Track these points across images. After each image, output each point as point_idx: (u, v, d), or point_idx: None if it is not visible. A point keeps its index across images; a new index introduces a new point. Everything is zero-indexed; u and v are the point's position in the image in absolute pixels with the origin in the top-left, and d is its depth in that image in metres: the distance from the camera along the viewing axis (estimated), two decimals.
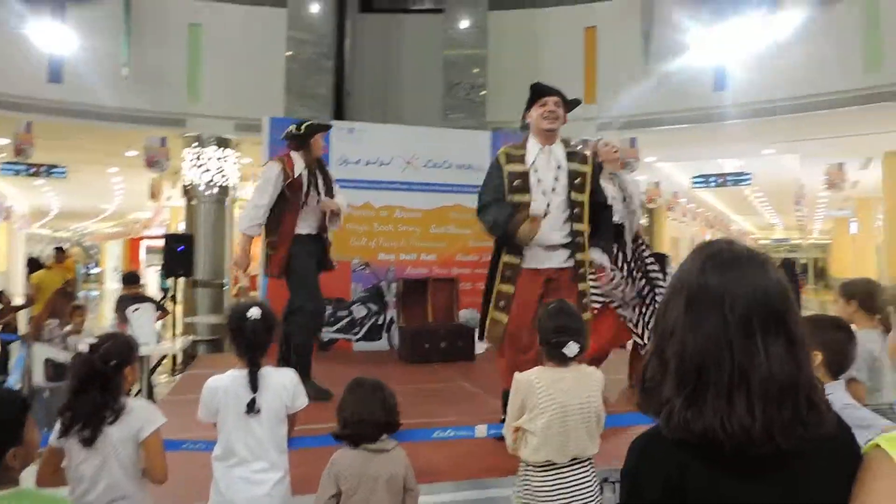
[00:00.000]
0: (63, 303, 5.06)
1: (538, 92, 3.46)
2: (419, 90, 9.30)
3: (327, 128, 4.96)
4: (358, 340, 6.54)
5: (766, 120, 9.32)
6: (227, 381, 2.29)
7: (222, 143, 10.33)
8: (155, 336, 5.61)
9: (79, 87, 9.36)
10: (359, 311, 6.54)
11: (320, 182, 4.57)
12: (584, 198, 3.44)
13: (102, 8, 9.43)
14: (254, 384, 2.23)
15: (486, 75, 8.99)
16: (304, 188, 4.48)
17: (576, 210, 3.40)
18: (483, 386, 4.84)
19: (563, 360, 2.38)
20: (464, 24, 9.01)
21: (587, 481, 2.37)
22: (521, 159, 3.40)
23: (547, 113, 3.37)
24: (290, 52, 8.85)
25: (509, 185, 3.37)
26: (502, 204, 3.34)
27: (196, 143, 10.27)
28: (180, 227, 22.47)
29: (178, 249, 7.60)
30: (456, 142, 6.92)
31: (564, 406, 2.32)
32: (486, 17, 9.11)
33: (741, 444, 0.90)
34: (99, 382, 2.06)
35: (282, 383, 2.30)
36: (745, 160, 13.58)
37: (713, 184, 13.78)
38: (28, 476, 1.57)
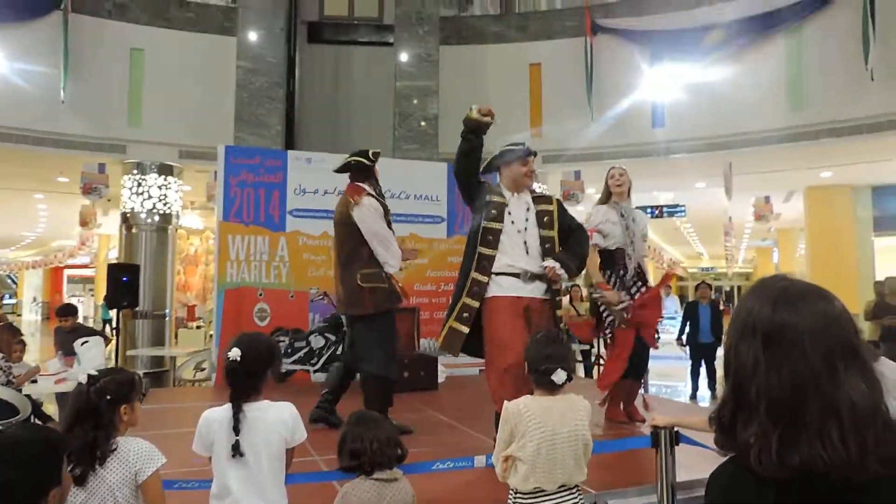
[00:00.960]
0: (8, 337, 4.80)
1: (526, 152, 3.89)
2: (369, 121, 9.38)
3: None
4: (316, 371, 6.45)
5: (699, 155, 9.84)
6: (221, 414, 2.23)
7: (164, 170, 10.08)
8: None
9: (13, 110, 8.99)
10: (317, 342, 6.44)
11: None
12: (553, 233, 3.79)
13: (40, 31, 9.13)
14: (235, 426, 2.17)
15: (439, 107, 9.16)
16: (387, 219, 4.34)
17: (547, 245, 3.74)
18: (452, 415, 4.87)
19: (552, 388, 2.46)
20: (415, 56, 9.17)
21: None
22: (501, 194, 3.81)
23: (530, 172, 3.85)
24: (241, 81, 8.77)
25: (487, 212, 3.71)
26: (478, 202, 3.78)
27: (136, 170, 9.99)
28: (111, 256, 21.65)
29: (123, 280, 7.32)
30: (413, 173, 7.01)
31: (553, 433, 2.38)
32: (437, 51, 9.30)
33: (840, 473, 0.93)
34: (93, 418, 1.99)
35: (280, 418, 2.25)
36: (678, 193, 14.24)
37: (650, 215, 14.33)
38: None
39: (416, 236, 6.92)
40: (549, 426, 2.38)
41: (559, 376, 2.43)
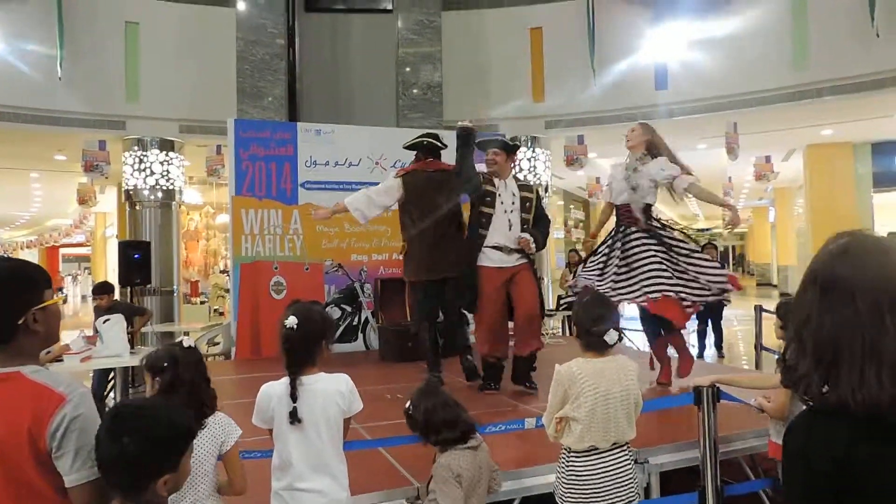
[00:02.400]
0: None
1: (480, 145, 4.74)
2: (372, 89, 9.28)
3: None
4: (333, 343, 6.50)
5: (702, 116, 9.83)
6: (280, 389, 2.25)
7: (166, 145, 9.99)
8: (127, 347, 5.41)
9: (9, 89, 8.86)
10: (333, 313, 6.51)
11: None
12: (530, 217, 4.70)
13: (34, 8, 8.94)
14: (293, 394, 2.19)
15: (442, 74, 9.08)
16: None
17: (525, 226, 4.66)
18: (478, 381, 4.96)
19: (603, 349, 2.51)
20: (415, 23, 9.06)
21: (626, 464, 2.51)
22: (491, 182, 4.68)
23: (488, 162, 4.69)
24: (241, 53, 8.65)
25: (482, 198, 4.63)
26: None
27: (137, 147, 9.90)
28: (107, 234, 21.53)
29: (135, 257, 7.31)
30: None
31: (607, 394, 2.45)
32: (439, 17, 9.18)
33: (871, 412, 1.02)
34: (194, 391, 2.09)
35: (337, 389, 2.28)
36: (679, 154, 14.24)
37: None
38: None
39: None
40: (603, 387, 2.44)
41: (611, 336, 2.48)
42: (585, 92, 9.95)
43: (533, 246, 4.56)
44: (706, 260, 4.61)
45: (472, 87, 9.95)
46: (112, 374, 6.13)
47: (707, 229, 35.44)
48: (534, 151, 10.35)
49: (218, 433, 2.08)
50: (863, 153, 12.18)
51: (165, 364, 2.12)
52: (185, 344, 2.23)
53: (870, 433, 1.04)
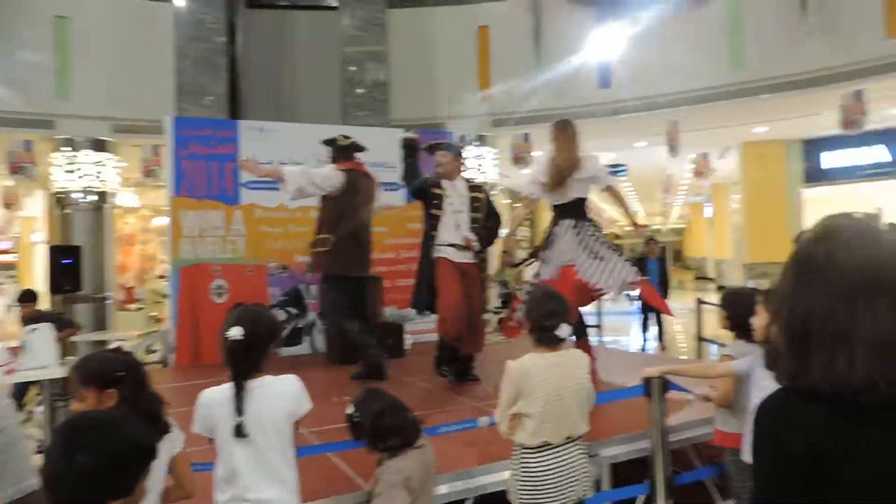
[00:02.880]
0: None
1: (429, 149, 4.94)
2: (316, 87, 9.12)
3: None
4: (278, 346, 6.34)
5: (644, 115, 10.04)
6: (221, 395, 2.15)
7: (98, 146, 9.56)
8: (55, 358, 5.11)
9: None
10: (278, 316, 6.34)
11: None
12: (480, 216, 4.86)
13: None
14: (238, 407, 2.09)
15: (388, 73, 8.99)
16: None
17: (474, 224, 4.81)
18: (427, 380, 4.91)
19: (555, 343, 2.49)
20: (361, 20, 8.94)
21: (580, 458, 2.51)
22: (439, 185, 4.82)
23: (437, 164, 4.86)
24: (180, 50, 8.35)
25: (430, 201, 4.77)
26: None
27: (67, 147, 9.44)
28: (34, 239, 20.48)
29: (65, 262, 6.96)
30: (367, 140, 6.86)
31: (559, 389, 2.43)
32: (384, 14, 9.09)
33: (841, 394, 1.00)
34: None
35: (285, 392, 2.19)
36: (620, 153, 14.52)
37: None
38: None
39: None
40: (556, 382, 2.43)
41: (563, 330, 2.47)
42: (532, 90, 10.03)
43: (476, 244, 4.76)
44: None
45: (419, 86, 9.90)
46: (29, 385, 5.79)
47: (647, 226, 36.42)
48: (480, 149, 10.36)
49: (168, 439, 1.99)
50: (794, 150, 12.69)
51: (121, 373, 1.95)
52: (124, 349, 2.09)
53: (845, 418, 1.02)
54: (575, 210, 4.55)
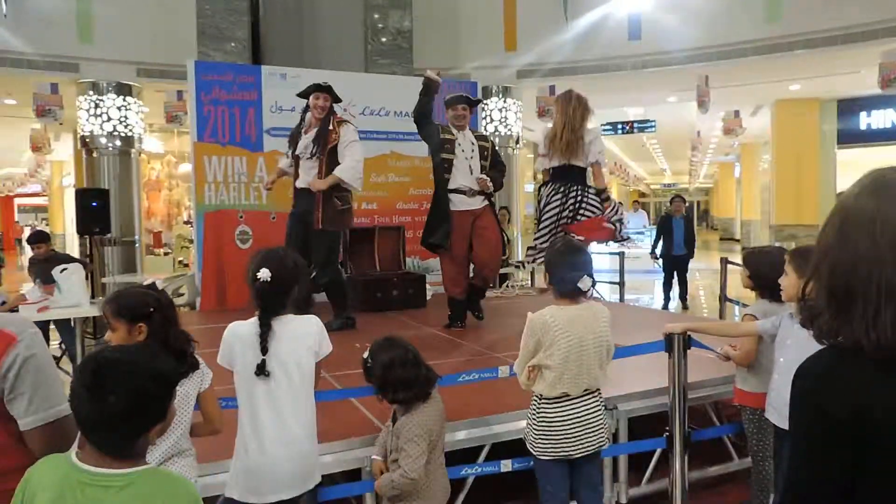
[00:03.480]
0: None
1: (449, 102, 5.17)
2: (339, 34, 8.95)
3: (317, 87, 5.23)
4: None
5: (674, 69, 9.77)
6: (247, 329, 2.19)
7: (123, 89, 9.56)
8: (87, 297, 5.25)
9: None
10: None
11: None
12: (487, 163, 5.14)
13: None
14: (263, 346, 2.13)
15: (412, 20, 8.80)
16: (295, 147, 5.13)
17: (483, 171, 5.08)
18: (447, 331, 4.96)
19: (577, 296, 2.48)
20: None
21: (597, 410, 2.52)
22: (450, 132, 5.09)
23: (457, 117, 5.11)
24: None
25: (441, 145, 5.01)
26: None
27: (92, 91, 9.46)
28: (64, 183, 20.80)
29: (93, 205, 7.05)
30: (392, 89, 6.80)
31: (581, 341, 2.43)
32: None
33: (884, 353, 0.97)
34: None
35: (307, 331, 2.23)
36: (648, 108, 14.22)
37: (620, 131, 14.34)
38: None
39: (397, 154, 6.79)
40: (577, 335, 2.42)
41: (585, 283, 2.45)
42: (558, 42, 9.78)
43: (491, 185, 5.04)
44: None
45: (443, 35, 9.70)
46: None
47: (673, 184, 35.85)
48: (505, 102, 10.19)
49: (196, 376, 2.05)
50: (829, 110, 12.30)
51: (152, 309, 1.99)
52: (158, 286, 2.12)
53: (890, 376, 0.98)
54: (564, 175, 4.74)
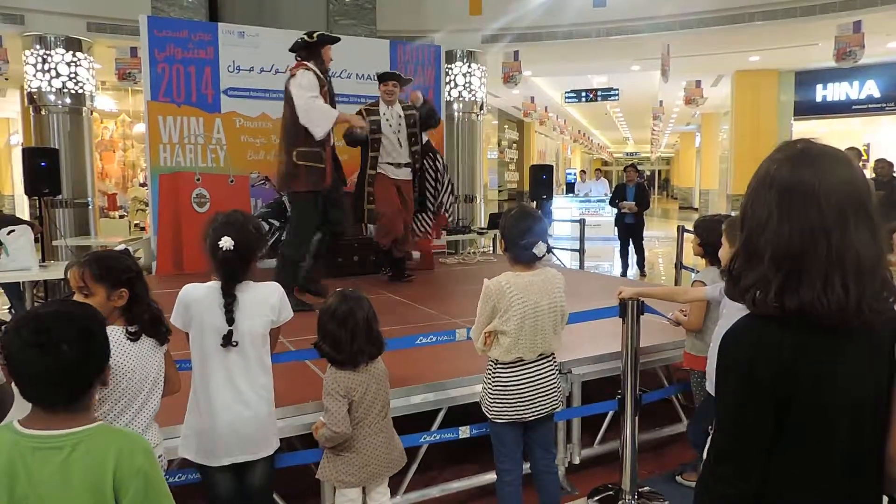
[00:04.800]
0: None
1: (382, 77, 5.61)
2: None
3: (337, 39, 5.01)
4: (261, 258, 6.34)
5: (638, 37, 9.78)
6: (203, 292, 2.16)
7: (72, 44, 9.15)
8: (37, 260, 5.10)
9: None
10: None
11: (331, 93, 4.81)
12: (416, 129, 5.65)
13: None
14: (229, 317, 2.12)
15: None
16: (328, 100, 4.66)
17: (412, 137, 5.62)
18: (406, 296, 4.97)
19: (532, 262, 2.51)
20: None
21: (551, 375, 2.57)
22: (376, 112, 5.49)
23: (386, 91, 5.52)
24: None
25: (371, 127, 5.38)
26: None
27: (39, 45, 9.03)
28: (12, 141, 19.96)
29: (42, 165, 6.80)
30: (354, 51, 6.65)
31: (536, 307, 2.46)
32: None
33: (836, 316, 1.02)
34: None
35: (266, 300, 2.22)
36: (611, 76, 14.25)
37: (584, 99, 14.38)
38: None
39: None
40: (532, 300, 2.45)
41: (540, 248, 2.48)
42: (524, 8, 9.68)
43: (421, 98, 5.74)
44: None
45: None
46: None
47: (635, 153, 36.26)
48: (469, 67, 10.09)
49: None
50: (787, 81, 12.52)
51: (133, 275, 1.95)
52: (120, 248, 2.07)
53: (817, 340, 1.04)
54: None
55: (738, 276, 1.12)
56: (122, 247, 2.08)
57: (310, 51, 4.71)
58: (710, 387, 2.69)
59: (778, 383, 1.03)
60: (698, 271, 3.27)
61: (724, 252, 2.63)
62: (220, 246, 2.11)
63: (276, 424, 2.31)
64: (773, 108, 12.50)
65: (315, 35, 4.77)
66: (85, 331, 1.26)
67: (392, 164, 5.53)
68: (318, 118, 4.49)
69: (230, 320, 2.11)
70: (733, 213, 3.04)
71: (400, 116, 5.56)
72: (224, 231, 2.13)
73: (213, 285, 2.17)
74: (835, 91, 12.39)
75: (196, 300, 2.15)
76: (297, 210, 4.75)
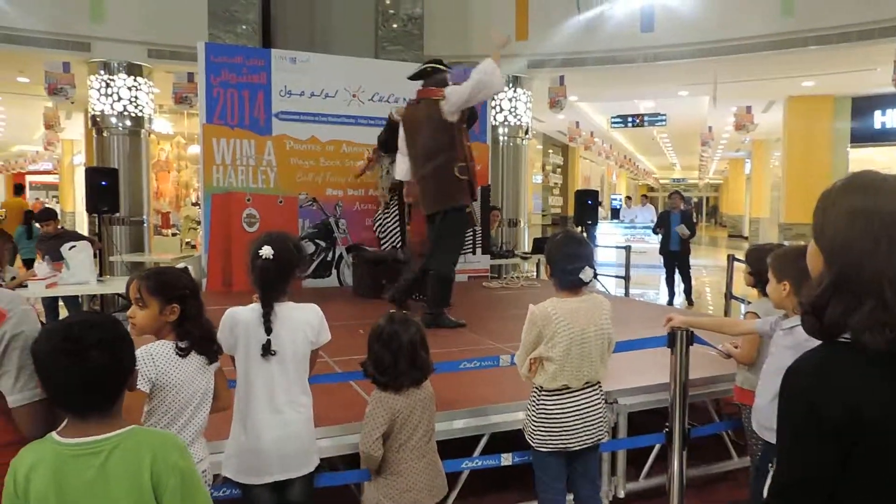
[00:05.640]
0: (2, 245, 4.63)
1: (419, 77, 5.06)
2: (350, 19, 8.92)
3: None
4: (306, 277, 6.45)
5: (687, 62, 9.68)
6: (247, 314, 2.21)
7: (134, 70, 9.56)
8: (94, 275, 5.28)
9: None
10: (307, 248, 6.42)
11: None
12: None
13: None
14: (267, 326, 2.16)
15: (423, 6, 8.75)
16: None
17: None
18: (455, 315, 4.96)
19: (578, 288, 2.47)
20: None
21: (597, 403, 2.52)
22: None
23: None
24: None
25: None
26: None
27: (103, 70, 9.46)
28: (75, 161, 20.86)
29: (102, 184, 7.08)
30: (401, 75, 6.74)
31: (583, 333, 2.42)
32: None
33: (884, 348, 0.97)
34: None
35: (306, 320, 2.25)
36: (658, 101, 14.11)
37: (630, 124, 14.25)
38: None
39: None
40: (578, 327, 2.41)
41: (587, 274, 2.44)
42: (570, 32, 9.70)
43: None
44: None
45: (454, 22, 9.63)
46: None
47: (682, 179, 35.67)
48: (515, 92, 10.14)
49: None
50: (842, 107, 12.17)
51: (187, 291, 2.00)
52: (182, 266, 2.13)
53: (886, 373, 0.99)
54: None
55: (823, 313, 1.05)
56: (182, 265, 2.14)
57: (443, 78, 4.93)
58: (759, 429, 2.56)
59: (843, 418, 0.98)
60: (749, 302, 3.17)
61: (773, 288, 2.51)
62: (260, 254, 2.17)
63: (315, 443, 2.32)
64: (827, 135, 12.16)
65: (447, 63, 5.12)
66: (111, 338, 1.30)
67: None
68: (494, 71, 4.65)
69: (268, 330, 2.15)
70: (786, 243, 2.92)
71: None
72: (265, 242, 2.20)
73: (256, 306, 2.21)
74: (894, 118, 11.99)
75: (240, 322, 2.20)
76: (457, 225, 4.73)
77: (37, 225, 6.24)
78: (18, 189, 10.68)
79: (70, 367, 1.26)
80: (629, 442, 3.07)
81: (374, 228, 6.33)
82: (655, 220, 15.68)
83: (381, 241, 6.24)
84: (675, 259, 9.34)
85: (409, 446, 2.28)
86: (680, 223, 9.21)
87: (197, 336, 1.99)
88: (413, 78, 4.99)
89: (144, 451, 1.27)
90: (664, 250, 9.48)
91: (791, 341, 2.37)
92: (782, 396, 1.07)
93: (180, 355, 1.96)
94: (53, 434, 1.30)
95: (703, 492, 3.35)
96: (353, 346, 2.86)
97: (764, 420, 2.46)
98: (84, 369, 1.26)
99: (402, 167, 4.84)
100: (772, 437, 2.39)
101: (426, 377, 2.34)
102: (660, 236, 9.60)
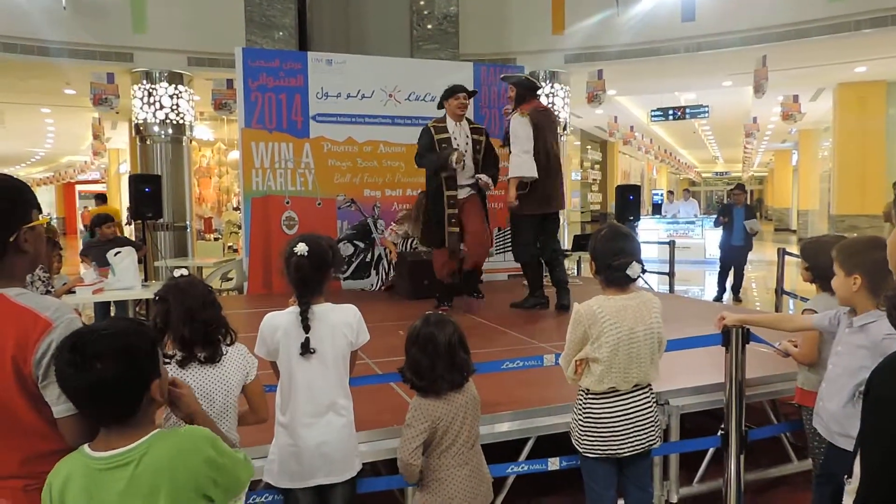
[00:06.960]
0: (48, 250, 4.74)
1: (453, 90, 5.26)
2: (385, 20, 8.90)
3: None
4: (346, 279, 6.45)
5: (730, 51, 9.39)
6: (285, 318, 2.18)
7: (174, 78, 9.75)
8: (139, 280, 5.36)
9: (12, 18, 8.61)
10: (346, 249, 6.42)
11: None
12: (480, 156, 5.33)
13: None
14: (305, 324, 2.12)
15: (458, 5, 8.69)
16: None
17: (475, 166, 5.29)
18: (493, 320, 4.87)
19: (625, 285, 2.36)
20: None
21: (648, 406, 2.40)
22: (445, 129, 5.22)
23: (460, 105, 5.24)
24: None
25: (438, 145, 5.15)
26: (432, 153, 5.18)
27: (145, 80, 9.67)
28: (121, 170, 21.47)
29: (146, 191, 7.21)
30: (437, 74, 6.70)
31: (631, 333, 2.31)
32: None
33: None
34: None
35: (344, 321, 2.21)
36: (700, 93, 13.75)
37: (671, 117, 13.93)
38: None
39: None
40: (626, 326, 2.31)
41: (634, 269, 2.33)
42: (608, 25, 9.52)
43: (491, 185, 5.29)
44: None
45: (490, 19, 9.55)
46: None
47: (725, 172, 34.79)
48: (552, 87, 9.99)
49: (243, 364, 2.05)
50: None
51: (157, 297, 2.05)
52: (177, 274, 2.13)
53: None
54: None
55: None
56: (178, 271, 2.16)
57: (532, 92, 5.34)
58: (828, 434, 2.40)
59: None
60: (803, 298, 3.00)
61: (840, 282, 2.34)
62: (295, 251, 2.14)
63: (357, 447, 2.27)
64: (881, 122, 11.67)
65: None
66: (120, 347, 1.26)
67: (460, 186, 5.26)
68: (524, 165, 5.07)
69: (306, 328, 2.12)
70: (847, 236, 2.73)
71: (468, 137, 5.28)
72: (299, 240, 2.19)
73: (293, 309, 2.18)
74: None
75: (279, 327, 2.17)
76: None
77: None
78: (102, 198, 11.43)
79: (76, 379, 1.24)
80: (682, 445, 2.94)
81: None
82: (699, 214, 15.32)
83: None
84: (739, 255, 8.99)
85: (452, 453, 2.20)
86: (745, 218, 8.85)
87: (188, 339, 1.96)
88: (535, 89, 5.38)
89: (172, 454, 1.25)
90: (725, 245, 9.10)
91: (864, 339, 2.23)
92: (871, 401, 0.97)
93: (179, 366, 1.94)
94: (85, 447, 1.29)
95: (760, 497, 3.19)
96: (393, 347, 2.82)
97: (835, 426, 2.31)
98: (90, 381, 1.23)
99: (529, 164, 5.01)
100: (846, 444, 2.25)
101: (467, 379, 2.26)
102: (720, 230, 9.17)
